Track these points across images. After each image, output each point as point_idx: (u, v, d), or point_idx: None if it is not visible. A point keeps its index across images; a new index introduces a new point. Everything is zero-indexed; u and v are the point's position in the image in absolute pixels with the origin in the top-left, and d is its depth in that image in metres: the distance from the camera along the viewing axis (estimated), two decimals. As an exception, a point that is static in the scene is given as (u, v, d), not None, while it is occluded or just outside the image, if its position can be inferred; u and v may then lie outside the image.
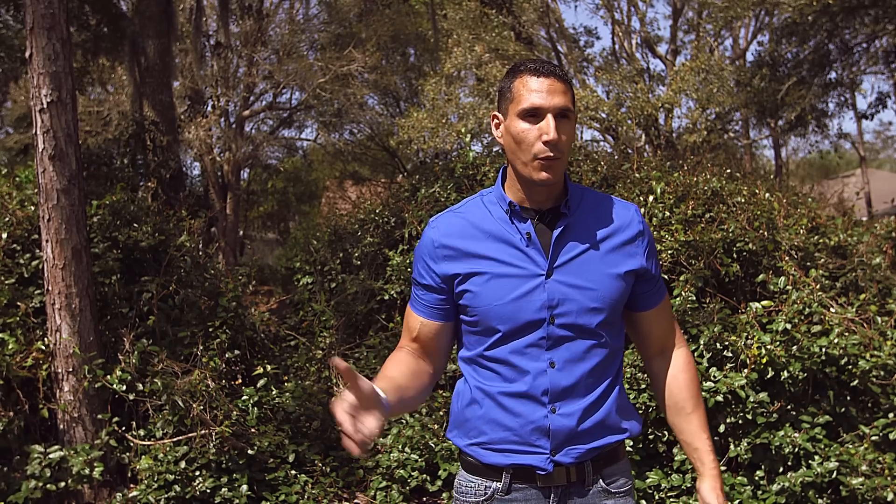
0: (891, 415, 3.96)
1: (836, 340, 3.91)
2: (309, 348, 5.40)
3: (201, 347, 4.60)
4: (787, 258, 4.52)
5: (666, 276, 4.44)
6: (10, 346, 4.30)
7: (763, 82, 14.11)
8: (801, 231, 4.82)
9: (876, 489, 3.64)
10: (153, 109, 9.20)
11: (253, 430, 4.34)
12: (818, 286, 4.28)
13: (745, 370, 3.91)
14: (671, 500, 3.90)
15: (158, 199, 7.74)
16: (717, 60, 12.12)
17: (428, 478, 4.35)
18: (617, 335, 1.68)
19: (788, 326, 3.97)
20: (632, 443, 3.94)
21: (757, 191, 5.21)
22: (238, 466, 4.17)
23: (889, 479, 3.68)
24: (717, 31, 15.47)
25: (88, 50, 9.98)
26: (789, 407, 3.95)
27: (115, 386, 4.29)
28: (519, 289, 1.60)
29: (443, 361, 1.76)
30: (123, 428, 4.37)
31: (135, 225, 5.27)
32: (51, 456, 4.16)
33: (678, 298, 4.19)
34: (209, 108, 17.05)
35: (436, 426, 4.50)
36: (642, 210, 4.77)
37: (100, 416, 4.36)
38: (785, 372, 3.88)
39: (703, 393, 3.78)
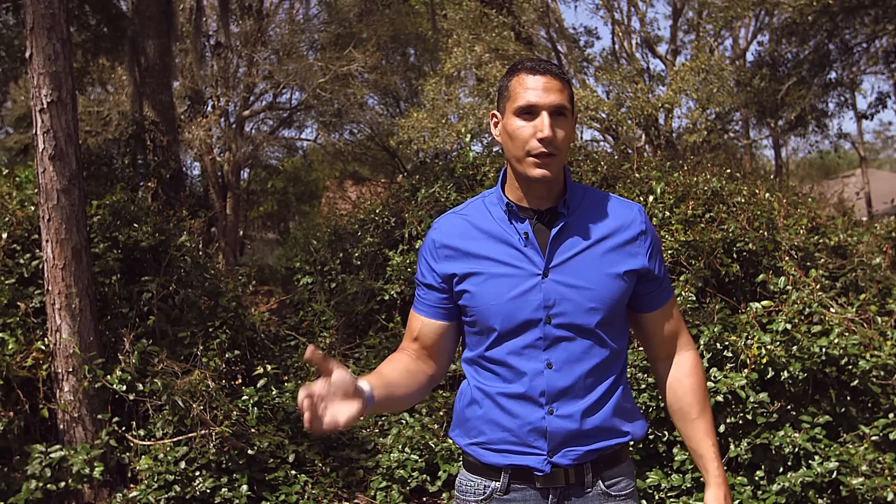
0: (891, 415, 3.96)
1: (836, 340, 3.91)
2: (309, 348, 5.39)
3: (201, 347, 4.60)
4: (787, 258, 4.52)
5: (666, 276, 4.44)
6: (10, 346, 4.30)
7: (763, 82, 14.11)
8: (801, 231, 4.82)
9: (876, 489, 3.64)
10: (153, 109, 9.20)
11: (253, 430, 4.34)
12: (818, 286, 4.28)
13: (746, 370, 3.91)
14: (671, 500, 3.90)
15: (158, 199, 7.74)
16: (717, 60, 12.12)
17: (428, 478, 4.35)
18: (618, 336, 1.65)
19: (788, 326, 3.97)
20: (633, 442, 3.95)
21: (757, 191, 5.21)
22: (238, 466, 4.17)
23: (889, 479, 3.68)
24: (717, 31, 15.48)
25: (88, 50, 9.98)
26: (789, 407, 3.95)
27: (115, 386, 4.29)
28: (515, 289, 1.61)
29: (444, 363, 1.75)
30: (123, 428, 4.37)
31: (135, 225, 5.27)
32: (51, 456, 4.16)
33: (678, 298, 4.19)
34: (209, 108, 17.06)
35: (436, 426, 4.50)
36: (642, 210, 4.76)
37: (100, 416, 4.36)
38: (785, 372, 3.88)
39: (703, 393, 3.78)
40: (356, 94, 16.68)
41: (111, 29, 9.37)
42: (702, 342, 4.01)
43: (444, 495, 4.32)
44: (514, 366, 1.62)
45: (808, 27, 13.68)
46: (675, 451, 3.98)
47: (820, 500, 3.73)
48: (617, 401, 1.64)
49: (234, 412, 4.35)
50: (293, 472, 4.28)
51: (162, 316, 4.84)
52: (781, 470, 3.81)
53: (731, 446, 3.86)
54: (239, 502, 4.06)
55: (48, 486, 4.07)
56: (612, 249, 1.63)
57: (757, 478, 3.82)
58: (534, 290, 1.60)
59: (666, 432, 4.04)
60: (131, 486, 4.38)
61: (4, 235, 4.78)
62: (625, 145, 11.87)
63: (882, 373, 3.96)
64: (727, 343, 4.02)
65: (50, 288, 4.41)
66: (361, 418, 1.47)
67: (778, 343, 3.93)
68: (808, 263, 4.70)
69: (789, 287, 4.28)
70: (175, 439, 4.19)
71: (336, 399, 1.40)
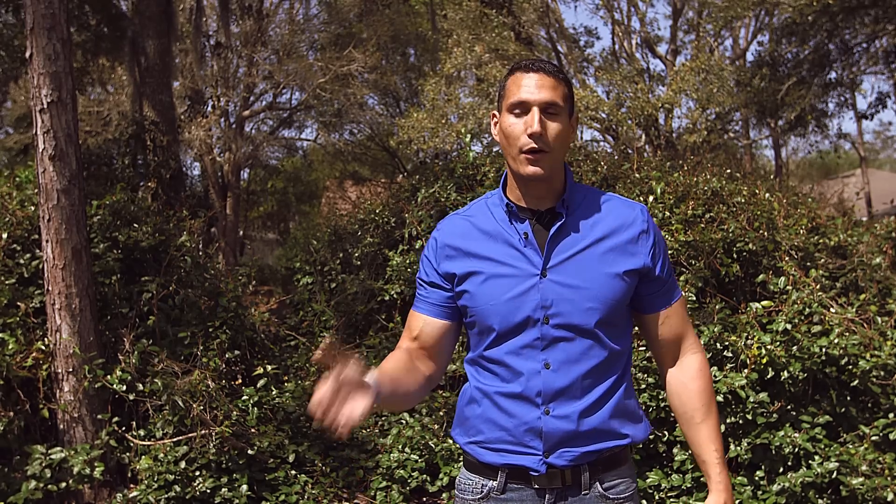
0: (891, 415, 3.96)
1: (836, 340, 3.91)
2: (309, 348, 5.40)
3: (201, 347, 4.60)
4: (787, 258, 4.53)
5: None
6: (10, 346, 4.30)
7: (763, 82, 14.11)
8: (801, 231, 4.82)
9: (876, 489, 3.64)
10: (153, 109, 9.20)
11: (253, 430, 4.34)
12: (818, 286, 4.28)
13: (746, 370, 3.91)
14: (671, 500, 3.90)
15: (158, 199, 7.74)
16: (717, 60, 12.12)
17: (428, 478, 4.36)
18: (619, 337, 1.64)
19: (788, 326, 3.97)
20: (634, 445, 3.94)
21: (757, 191, 5.21)
22: (238, 466, 4.17)
23: (889, 479, 3.68)
24: (717, 31, 15.48)
25: (88, 50, 9.98)
26: (789, 407, 3.95)
27: (115, 386, 4.29)
28: (514, 289, 1.61)
29: (441, 365, 1.75)
30: (123, 428, 4.37)
31: (135, 225, 5.27)
32: (51, 456, 4.16)
33: (678, 298, 4.18)
34: (209, 108, 17.05)
35: (436, 426, 4.50)
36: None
37: (100, 416, 4.36)
38: (785, 372, 3.88)
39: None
40: (356, 94, 16.68)
41: (111, 29, 9.37)
42: (702, 342, 4.01)
43: (444, 495, 4.32)
44: (511, 366, 1.62)
45: (808, 27, 13.68)
46: (675, 451, 3.98)
47: (820, 501, 3.73)
48: (617, 402, 1.63)
49: (234, 412, 4.35)
50: (293, 472, 4.28)
51: (162, 316, 4.85)
52: (781, 470, 3.81)
53: (732, 446, 3.86)
54: (239, 502, 4.06)
55: (48, 486, 4.07)
56: (611, 249, 1.63)
57: (757, 478, 3.82)
58: (532, 290, 1.60)
59: (666, 432, 4.04)
60: (131, 486, 4.38)
61: (4, 235, 4.78)
62: (625, 145, 11.87)
63: (882, 373, 3.96)
64: (727, 343, 4.02)
65: (50, 288, 4.41)
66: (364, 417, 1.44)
67: (778, 343, 3.93)
68: (808, 263, 4.70)
69: (789, 287, 4.28)
70: (175, 439, 4.19)
71: (348, 395, 1.38)
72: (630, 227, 1.65)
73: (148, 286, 4.86)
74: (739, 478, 3.84)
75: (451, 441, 4.40)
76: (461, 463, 1.78)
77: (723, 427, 3.88)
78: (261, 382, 4.59)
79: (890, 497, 3.60)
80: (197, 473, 4.11)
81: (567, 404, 1.59)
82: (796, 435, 3.76)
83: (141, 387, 4.32)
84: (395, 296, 5.51)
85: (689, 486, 3.87)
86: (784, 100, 14.31)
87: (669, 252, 4.48)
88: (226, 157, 17.46)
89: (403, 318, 5.12)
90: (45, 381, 4.42)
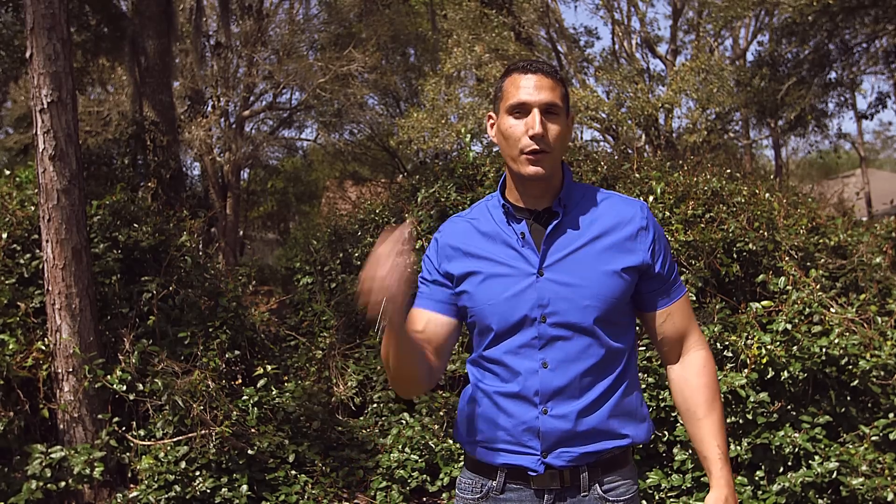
0: (891, 415, 3.96)
1: (836, 340, 3.91)
2: (309, 348, 5.40)
3: (201, 347, 4.60)
4: (787, 258, 4.53)
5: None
6: (10, 346, 4.30)
7: (763, 82, 14.11)
8: (801, 231, 4.82)
9: (876, 489, 3.64)
10: (153, 109, 9.20)
11: (253, 430, 4.34)
12: (818, 286, 4.28)
13: (746, 370, 3.91)
14: (671, 500, 3.90)
15: (158, 199, 7.74)
16: (717, 60, 12.11)
17: (428, 478, 4.36)
18: (620, 335, 1.64)
19: (789, 326, 3.97)
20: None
21: (757, 191, 5.21)
22: (238, 466, 4.17)
23: (889, 479, 3.68)
24: (717, 31, 15.48)
25: (88, 50, 9.98)
26: (789, 407, 3.95)
27: (115, 386, 4.29)
28: (511, 288, 1.61)
29: (442, 363, 1.72)
30: (123, 428, 4.38)
31: (135, 225, 5.27)
32: (52, 456, 4.16)
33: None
34: (209, 108, 17.05)
35: (436, 426, 4.50)
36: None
37: (100, 416, 4.36)
38: (785, 372, 3.88)
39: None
40: (356, 94, 16.68)
41: (111, 29, 9.37)
42: (703, 341, 4.01)
43: (444, 495, 4.32)
44: (509, 365, 1.62)
45: (808, 27, 13.68)
46: (675, 451, 3.98)
47: (820, 501, 3.73)
48: (616, 402, 1.62)
49: (234, 412, 4.35)
50: (293, 472, 4.28)
51: (162, 316, 4.85)
52: (781, 470, 3.81)
53: (732, 446, 3.86)
54: (239, 502, 4.06)
55: (48, 486, 4.07)
56: (609, 247, 1.62)
57: (757, 478, 3.82)
58: (528, 289, 1.60)
59: (666, 432, 4.04)
60: (131, 486, 4.38)
61: (4, 235, 4.78)
62: (625, 145, 11.87)
63: (882, 373, 3.96)
64: (727, 343, 4.02)
65: (50, 288, 4.41)
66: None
67: (778, 343, 3.93)
68: (808, 263, 4.70)
69: (789, 287, 4.28)
70: (175, 439, 4.19)
71: (397, 259, 1.41)
72: (628, 224, 1.64)
73: (148, 286, 4.86)
74: (739, 478, 3.84)
75: (451, 441, 4.40)
76: (461, 463, 1.78)
77: (723, 427, 3.87)
78: (261, 382, 4.59)
79: (890, 497, 3.60)
80: (197, 473, 4.11)
81: (565, 404, 1.59)
82: (796, 435, 3.76)
83: (141, 387, 4.32)
84: (395, 296, 5.50)
85: (689, 486, 3.87)
86: (784, 100, 14.30)
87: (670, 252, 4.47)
88: (226, 157, 17.45)
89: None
90: (45, 381, 4.42)
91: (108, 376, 4.33)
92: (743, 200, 4.95)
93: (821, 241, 5.00)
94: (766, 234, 4.65)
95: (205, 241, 8.65)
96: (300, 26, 18.28)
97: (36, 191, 4.76)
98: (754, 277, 4.56)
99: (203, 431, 4.13)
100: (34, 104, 4.42)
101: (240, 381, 4.87)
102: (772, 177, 8.07)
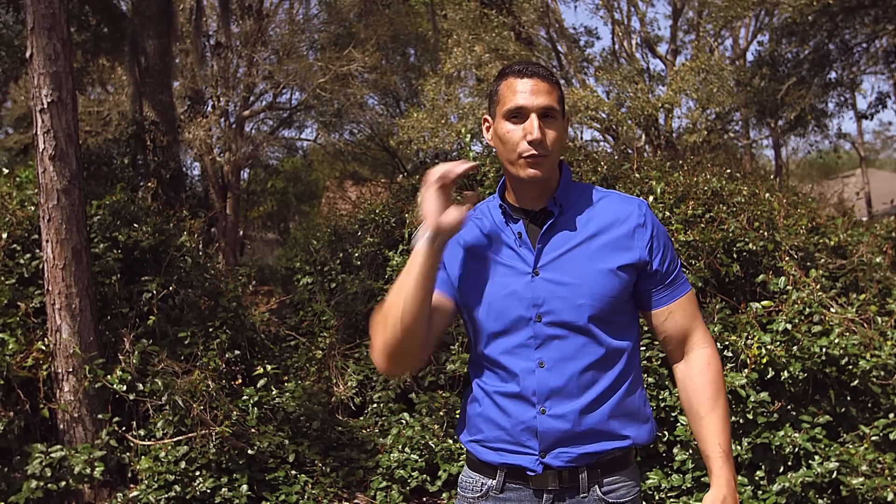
0: (891, 415, 3.96)
1: (836, 340, 3.91)
2: (309, 348, 5.40)
3: (201, 347, 4.60)
4: (787, 258, 4.53)
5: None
6: (10, 346, 4.30)
7: (763, 82, 14.11)
8: (801, 231, 4.83)
9: (876, 489, 3.64)
10: (153, 109, 9.19)
11: (253, 430, 4.34)
12: (818, 286, 4.28)
13: (746, 370, 3.91)
14: (671, 500, 3.90)
15: (158, 199, 7.74)
16: (717, 60, 12.10)
17: (428, 478, 4.36)
18: (619, 334, 1.63)
19: (789, 326, 3.97)
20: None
21: (757, 191, 5.21)
22: (238, 466, 4.17)
23: (889, 479, 3.68)
24: (717, 31, 15.47)
25: (88, 50, 9.97)
26: (789, 407, 3.95)
27: (115, 386, 4.29)
28: (507, 288, 1.62)
29: (430, 344, 1.67)
30: (124, 428, 4.38)
31: (135, 225, 5.27)
32: (52, 456, 4.16)
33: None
34: (209, 108, 17.05)
35: (436, 426, 4.50)
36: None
37: (100, 416, 4.36)
38: (785, 372, 3.88)
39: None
40: (356, 94, 16.68)
41: (111, 29, 9.37)
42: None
43: (444, 495, 4.32)
44: (507, 365, 1.62)
45: (808, 27, 13.68)
46: (675, 451, 3.98)
47: (820, 501, 3.73)
48: (617, 402, 1.61)
49: (234, 412, 4.35)
50: (293, 472, 4.28)
51: (162, 316, 4.85)
52: (781, 470, 3.81)
53: (732, 446, 3.86)
54: (239, 502, 4.06)
55: (48, 485, 4.07)
56: (605, 245, 1.62)
57: (757, 478, 3.82)
58: (524, 288, 1.61)
59: (666, 432, 4.04)
60: (131, 486, 4.38)
61: (4, 235, 4.78)
62: (625, 145, 11.87)
63: (882, 373, 3.96)
64: (727, 343, 4.02)
65: (50, 288, 4.41)
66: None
67: (778, 343, 3.93)
68: (808, 263, 4.70)
69: (789, 287, 4.28)
70: (175, 439, 4.19)
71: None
72: (625, 222, 1.64)
73: (148, 286, 4.86)
74: (740, 477, 3.84)
75: (450, 441, 4.40)
76: (461, 462, 1.79)
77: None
78: (261, 382, 4.60)
79: (890, 497, 3.60)
80: (197, 473, 4.11)
81: (563, 403, 1.59)
82: (796, 435, 3.76)
83: (141, 387, 4.32)
84: (395, 296, 5.50)
85: (689, 486, 3.87)
86: (784, 100, 14.30)
87: (669, 252, 4.47)
88: (226, 157, 17.45)
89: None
90: (45, 381, 4.42)
91: (108, 376, 4.33)
92: (743, 200, 4.95)
93: (821, 241, 5.00)
94: (766, 234, 4.65)
95: (205, 241, 8.65)
96: (300, 26, 18.28)
97: (36, 191, 4.76)
98: (754, 277, 4.56)
99: (203, 431, 4.13)
100: (34, 104, 4.42)
101: (240, 381, 4.87)
102: (772, 177, 8.07)
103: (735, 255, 4.60)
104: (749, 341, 3.97)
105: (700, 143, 11.96)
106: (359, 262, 6.02)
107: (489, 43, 12.57)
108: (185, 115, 15.74)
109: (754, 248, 4.56)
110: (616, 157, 6.62)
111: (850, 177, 27.23)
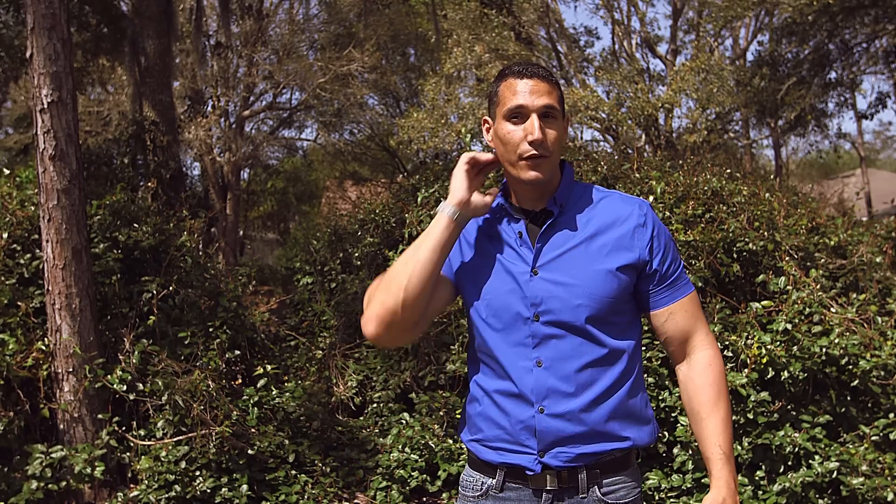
0: (891, 415, 3.96)
1: (836, 340, 3.91)
2: (309, 348, 5.40)
3: (201, 347, 4.60)
4: (787, 258, 4.53)
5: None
6: (10, 346, 4.30)
7: (763, 82, 14.10)
8: (801, 231, 4.83)
9: (876, 489, 3.64)
10: (153, 109, 9.19)
11: (253, 430, 4.34)
12: (818, 286, 4.28)
13: (746, 370, 3.91)
14: (671, 500, 3.90)
15: (158, 199, 7.74)
16: (717, 60, 12.10)
17: (428, 478, 4.35)
18: (619, 335, 1.62)
19: (789, 326, 3.97)
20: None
21: (757, 191, 5.21)
22: (238, 466, 4.17)
23: (889, 479, 3.68)
24: (717, 31, 15.46)
25: (88, 50, 9.98)
26: (790, 407, 3.95)
27: (115, 386, 4.29)
28: (506, 287, 1.63)
29: (426, 320, 1.69)
30: (124, 428, 4.37)
31: (135, 225, 5.27)
32: (52, 456, 4.16)
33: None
34: (209, 108, 17.05)
35: (436, 426, 4.50)
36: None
37: (100, 416, 4.36)
38: (785, 372, 3.88)
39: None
40: (356, 94, 16.68)
41: (111, 29, 9.37)
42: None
43: (444, 495, 4.32)
44: (504, 363, 1.63)
45: (808, 27, 13.68)
46: (675, 451, 3.98)
47: (820, 501, 3.73)
48: (617, 403, 1.61)
49: (234, 412, 4.35)
50: (293, 472, 4.28)
51: (162, 316, 4.85)
52: (782, 470, 3.81)
53: (733, 447, 3.86)
54: (239, 502, 4.06)
55: (49, 486, 4.07)
56: (604, 245, 1.62)
57: (757, 478, 3.82)
58: (523, 288, 1.61)
59: (666, 432, 4.04)
60: (132, 485, 4.38)
61: (5, 235, 4.78)
62: (625, 145, 11.87)
63: (882, 373, 3.96)
64: (727, 343, 4.02)
65: (50, 288, 4.41)
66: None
67: (778, 343, 3.93)
68: (808, 263, 4.70)
69: (789, 287, 4.28)
70: (175, 439, 4.19)
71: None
72: (625, 222, 1.64)
73: (148, 286, 4.86)
74: (740, 478, 3.84)
75: (450, 441, 4.40)
76: (461, 462, 1.80)
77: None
78: (261, 382, 4.59)
79: (890, 497, 3.60)
80: (197, 473, 4.11)
81: (561, 403, 1.59)
82: (796, 435, 3.76)
83: (141, 387, 4.32)
84: (395, 296, 5.50)
85: (689, 486, 3.87)
86: (784, 100, 14.30)
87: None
88: (226, 157, 17.45)
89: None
90: (45, 381, 4.42)
91: (109, 376, 4.33)
92: (743, 200, 4.95)
93: (821, 241, 5.00)
94: (766, 233, 4.65)
95: (205, 241, 8.65)
96: (300, 26, 18.27)
97: (36, 191, 4.76)
98: (754, 277, 4.56)
99: (203, 431, 4.13)
100: (34, 104, 4.41)
101: (240, 381, 4.87)
102: (772, 177, 8.07)
103: (735, 255, 4.60)
104: (749, 341, 3.97)
105: (700, 143, 11.96)
106: (359, 262, 6.02)
107: (489, 43, 12.57)
108: (185, 115, 15.74)
109: (754, 248, 4.56)
110: (616, 157, 6.62)
111: (850, 177, 27.23)
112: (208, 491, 4.05)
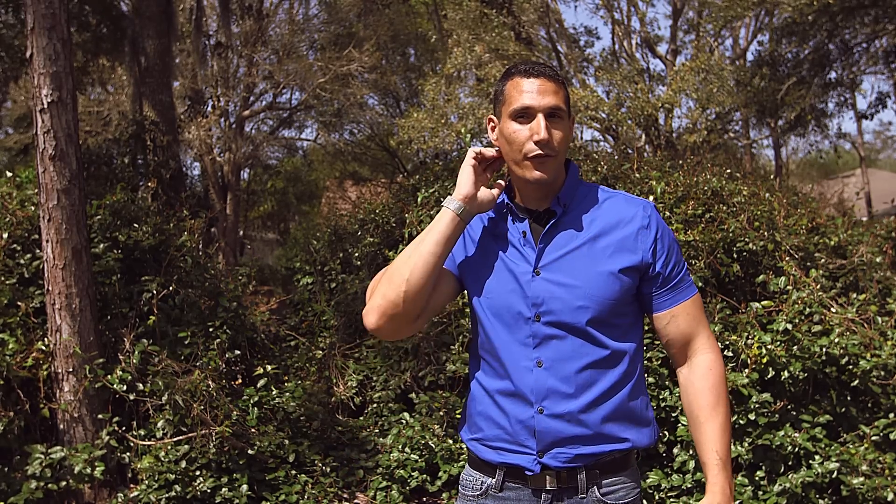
0: (891, 415, 3.96)
1: (836, 340, 3.91)
2: (309, 348, 5.40)
3: (201, 347, 4.60)
4: (787, 258, 4.53)
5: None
6: (10, 346, 4.30)
7: (763, 82, 14.10)
8: (801, 231, 4.83)
9: (876, 489, 3.64)
10: (153, 109, 9.19)
11: (253, 430, 4.34)
12: (818, 286, 4.28)
13: (746, 370, 3.91)
14: (671, 500, 3.90)
15: (158, 199, 7.74)
16: (717, 60, 12.10)
17: (428, 478, 4.35)
18: (620, 336, 1.62)
19: (789, 326, 3.97)
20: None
21: (757, 191, 5.21)
22: (238, 466, 4.17)
23: (889, 479, 3.68)
24: (717, 31, 15.46)
25: (88, 50, 9.98)
26: (790, 407, 3.95)
27: (115, 386, 4.29)
28: (508, 286, 1.63)
29: (427, 314, 1.69)
30: (124, 428, 4.37)
31: (135, 225, 5.27)
32: (52, 456, 4.16)
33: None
34: (209, 108, 17.05)
35: (436, 426, 4.50)
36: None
37: (100, 416, 4.36)
38: (785, 372, 3.88)
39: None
40: (356, 94, 16.69)
41: (111, 29, 9.38)
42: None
43: (444, 495, 4.32)
44: (505, 363, 1.63)
45: (808, 27, 13.67)
46: (675, 450, 3.98)
47: (821, 501, 3.73)
48: (617, 404, 1.60)
49: (235, 412, 4.35)
50: (293, 472, 4.28)
51: (162, 316, 4.85)
52: (782, 470, 3.81)
53: (733, 446, 3.86)
54: (239, 502, 4.06)
55: (49, 486, 4.07)
56: (607, 246, 1.62)
57: (757, 478, 3.82)
58: (525, 287, 1.61)
59: (666, 432, 4.04)
60: (132, 485, 4.38)
61: (5, 235, 4.78)
62: (625, 145, 11.87)
63: (882, 373, 3.96)
64: (728, 343, 4.02)
65: (50, 288, 4.41)
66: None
67: (778, 343, 3.93)
68: (808, 263, 4.70)
69: (789, 287, 4.28)
70: (175, 439, 4.19)
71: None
72: (629, 224, 1.63)
73: (148, 286, 4.86)
74: (740, 478, 3.84)
75: (451, 441, 4.40)
76: (461, 462, 1.80)
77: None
78: (261, 382, 4.59)
79: (890, 497, 3.60)
80: (197, 473, 4.11)
81: (560, 403, 1.58)
82: (797, 435, 3.76)
83: (141, 386, 4.32)
84: (395, 296, 5.50)
85: (689, 486, 3.87)
86: (784, 100, 14.29)
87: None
88: (226, 157, 17.45)
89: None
90: (45, 381, 4.42)
91: (109, 376, 4.33)
92: (743, 200, 4.95)
93: (821, 241, 5.00)
94: (766, 233, 4.65)
95: (205, 241, 8.64)
96: (300, 26, 18.27)
97: (36, 191, 4.76)
98: (754, 277, 4.56)
99: (203, 431, 4.13)
100: (34, 104, 4.41)
101: (240, 381, 4.87)
102: (772, 177, 8.07)
103: (735, 255, 4.60)
104: (749, 341, 3.97)
105: (700, 143, 11.96)
106: (359, 262, 6.02)
107: (489, 43, 12.56)
108: (185, 115, 15.74)
109: (754, 248, 4.56)
110: (616, 157, 6.62)
111: (850, 177, 27.23)
112: (208, 491, 4.05)
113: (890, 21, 13.45)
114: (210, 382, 4.28)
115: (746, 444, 3.81)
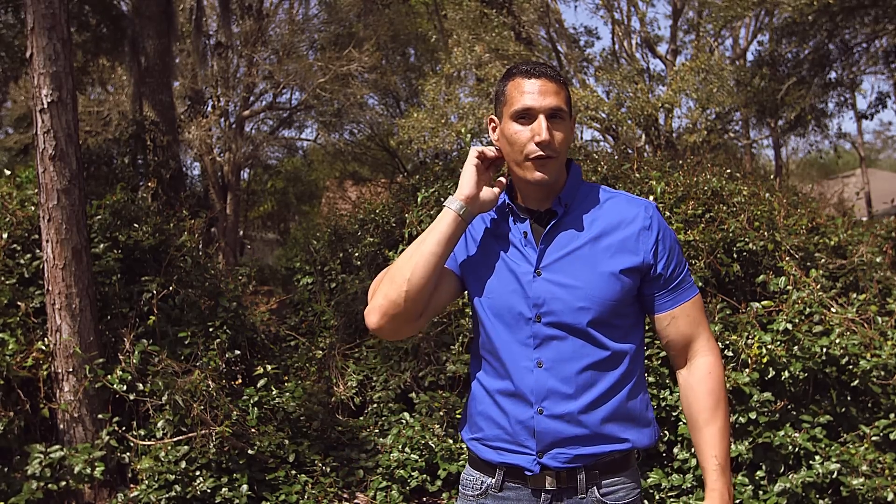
0: (891, 415, 3.96)
1: (836, 340, 3.91)
2: (309, 348, 5.40)
3: (201, 347, 4.60)
4: (787, 258, 4.53)
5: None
6: (10, 346, 4.29)
7: (763, 82, 14.10)
8: (802, 231, 4.83)
9: (876, 489, 3.64)
10: (153, 109, 9.19)
11: (253, 430, 4.34)
12: (818, 286, 4.28)
13: (746, 370, 3.91)
14: (671, 500, 3.90)
15: (159, 199, 7.74)
16: (717, 60, 12.10)
17: (428, 478, 4.35)
18: (621, 337, 1.62)
19: (789, 326, 3.97)
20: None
21: (757, 191, 5.21)
22: (238, 466, 4.17)
23: (889, 479, 3.68)
24: (717, 31, 15.46)
25: (88, 50, 9.98)
26: (790, 407, 3.95)
27: (115, 386, 4.29)
28: (508, 287, 1.62)
29: (428, 314, 1.70)
30: (124, 428, 4.37)
31: (135, 225, 5.27)
32: (52, 456, 4.16)
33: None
34: (209, 108, 17.05)
35: (436, 426, 4.50)
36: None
37: (100, 416, 4.36)
38: (786, 372, 3.88)
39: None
40: (356, 94, 16.69)
41: (111, 29, 9.38)
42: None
43: (444, 495, 4.32)
44: (505, 363, 1.63)
45: (808, 27, 13.67)
46: (675, 450, 3.98)
47: (821, 501, 3.73)
48: (617, 405, 1.60)
49: (234, 412, 4.35)
50: (293, 472, 4.28)
51: (162, 316, 4.84)
52: (782, 470, 3.81)
53: (733, 446, 3.86)
54: (239, 502, 4.06)
55: (48, 486, 4.07)
56: (608, 247, 1.61)
57: (758, 478, 3.82)
58: (526, 288, 1.61)
59: (666, 432, 4.04)
60: (132, 485, 4.38)
61: (5, 235, 4.78)
62: (625, 145, 11.87)
63: (882, 373, 3.96)
64: (728, 343, 4.02)
65: (50, 288, 4.41)
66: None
67: (778, 343, 3.93)
68: (808, 263, 4.70)
69: (790, 287, 4.28)
70: (175, 439, 4.19)
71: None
72: (630, 225, 1.63)
73: (148, 286, 4.86)
74: (740, 477, 3.84)
75: (451, 441, 4.40)
76: (461, 462, 1.80)
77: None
78: (261, 382, 4.59)
79: (890, 497, 3.60)
80: (197, 473, 4.11)
81: (560, 404, 1.58)
82: (797, 435, 3.76)
83: (141, 387, 4.32)
84: (395, 296, 5.49)
85: (689, 486, 3.87)
86: (784, 100, 14.29)
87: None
88: (226, 157, 17.46)
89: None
90: (45, 381, 4.42)
91: (109, 376, 4.33)
92: (743, 200, 4.95)
93: (821, 241, 5.00)
94: (766, 233, 4.65)
95: (205, 241, 8.65)
96: (300, 26, 18.27)
97: (36, 191, 4.76)
98: (754, 277, 4.56)
99: (203, 431, 4.12)
100: (34, 104, 4.41)
101: (240, 381, 4.87)
102: (772, 177, 8.08)
103: (735, 255, 4.60)
104: (749, 341, 3.97)
105: (700, 143, 11.96)
106: (359, 262, 6.02)
107: (489, 43, 12.56)
108: (185, 115, 15.74)
109: (754, 248, 4.56)
110: (616, 157, 6.62)
111: (850, 177, 27.22)
112: (208, 491, 4.05)
113: (890, 21, 13.45)
114: (210, 382, 4.28)
115: (747, 444, 3.81)
